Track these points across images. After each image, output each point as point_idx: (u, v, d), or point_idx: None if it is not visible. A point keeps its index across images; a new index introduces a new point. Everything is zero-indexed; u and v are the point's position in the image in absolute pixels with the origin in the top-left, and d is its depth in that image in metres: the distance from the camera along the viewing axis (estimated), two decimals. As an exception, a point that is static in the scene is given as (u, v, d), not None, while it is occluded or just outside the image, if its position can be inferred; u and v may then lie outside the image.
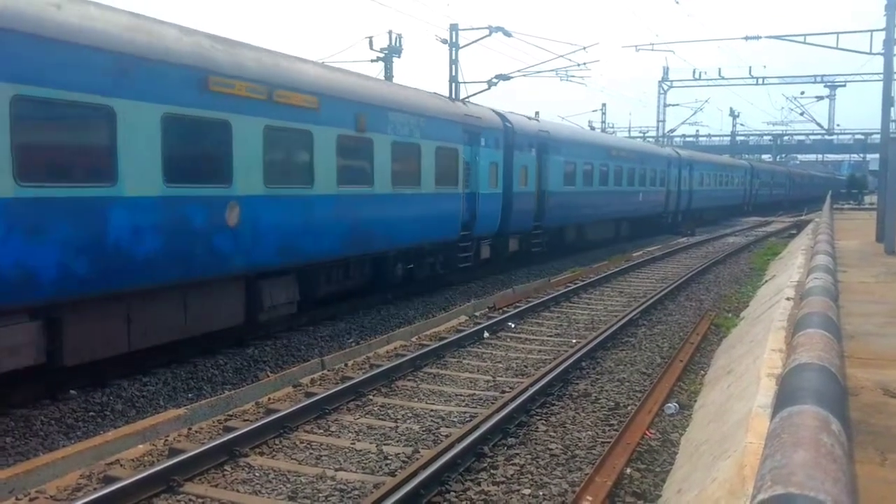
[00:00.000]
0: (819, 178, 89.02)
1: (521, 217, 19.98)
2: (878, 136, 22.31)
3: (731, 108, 74.27)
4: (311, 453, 6.88)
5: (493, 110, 19.54)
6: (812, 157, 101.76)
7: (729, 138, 77.15)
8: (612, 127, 63.90)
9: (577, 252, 25.03)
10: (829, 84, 58.83)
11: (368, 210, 13.23)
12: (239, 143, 10.12)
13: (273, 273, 11.26)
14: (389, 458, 6.73)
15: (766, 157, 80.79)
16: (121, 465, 6.55)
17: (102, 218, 8.23)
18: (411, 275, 15.62)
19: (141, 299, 8.98)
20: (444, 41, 28.61)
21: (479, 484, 6.18)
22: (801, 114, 63.05)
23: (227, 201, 10.03)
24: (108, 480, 6.04)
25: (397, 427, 7.59)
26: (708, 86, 53.66)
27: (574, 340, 11.58)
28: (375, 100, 13.56)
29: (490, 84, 30.05)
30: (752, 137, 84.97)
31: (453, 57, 28.82)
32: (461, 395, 8.76)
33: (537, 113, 29.44)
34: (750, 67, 56.17)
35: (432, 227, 15.66)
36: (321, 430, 7.51)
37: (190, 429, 7.55)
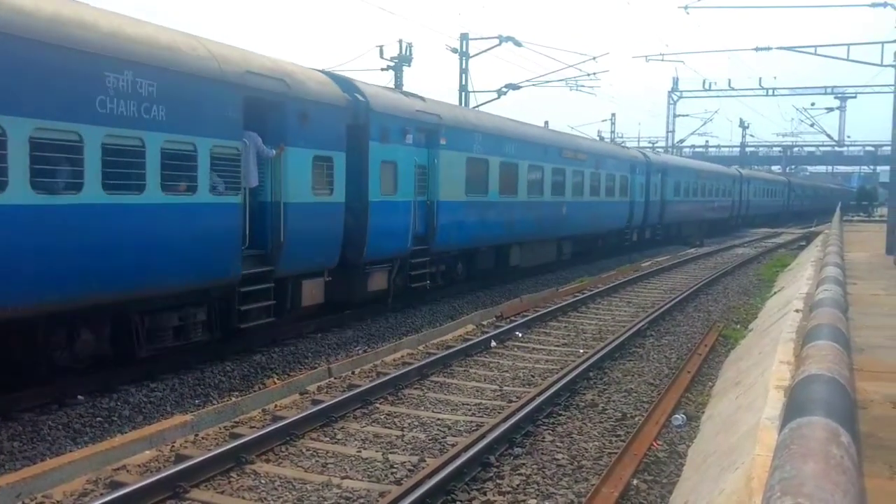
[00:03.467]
0: (838, 190, 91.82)
1: (652, 216, 31.67)
2: (889, 147, 22.23)
3: (740, 119, 73.95)
4: (317, 461, 6.87)
5: (640, 150, 35.25)
6: (822, 168, 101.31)
7: (739, 149, 76.93)
8: (622, 137, 63.77)
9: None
10: (839, 95, 58.71)
11: (597, 210, 25.16)
12: (567, 178, 22.26)
13: (566, 238, 23.36)
14: (395, 466, 6.71)
15: (775, 168, 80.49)
16: (127, 471, 6.55)
17: (539, 209, 20.54)
18: (602, 246, 27.70)
19: (535, 244, 20.99)
20: (455, 50, 28.71)
21: (484, 494, 6.15)
22: (812, 125, 62.94)
23: (563, 204, 22.11)
24: (115, 486, 6.04)
25: (403, 435, 7.57)
26: (718, 96, 53.74)
27: (581, 350, 11.54)
28: (601, 152, 26.75)
29: (500, 93, 30.11)
30: (761, 148, 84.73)
31: (463, 66, 28.91)
32: (468, 405, 8.74)
33: (546, 123, 29.69)
34: (760, 78, 56.00)
35: (614, 220, 27.58)
36: (327, 438, 7.51)
37: (196, 435, 7.55)
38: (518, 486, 6.29)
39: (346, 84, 13.09)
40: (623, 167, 27.91)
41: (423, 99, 15.25)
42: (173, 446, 7.20)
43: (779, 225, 54.23)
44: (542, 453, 7.09)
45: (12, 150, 7.03)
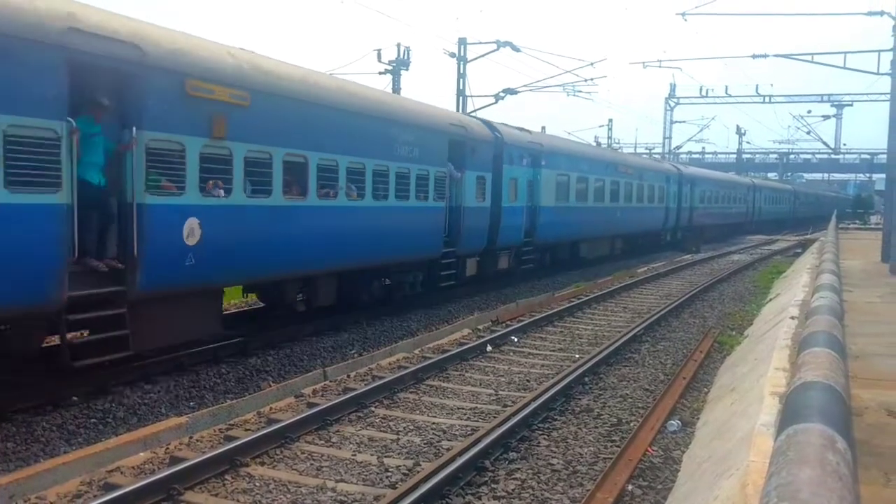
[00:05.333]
0: (837, 198, 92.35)
1: (683, 220, 36.87)
2: (885, 155, 22.30)
3: (737, 126, 74.13)
4: (311, 464, 6.86)
5: (673, 164, 40.07)
6: (818, 176, 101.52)
7: (735, 156, 77.09)
8: (619, 143, 63.96)
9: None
10: (836, 103, 59.02)
11: (641, 214, 30.46)
12: (620, 188, 27.16)
13: (618, 237, 28.80)
14: (390, 470, 6.70)
15: (772, 175, 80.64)
16: (121, 473, 6.52)
17: (601, 213, 25.82)
18: (643, 244, 32.82)
19: (597, 240, 26.54)
20: (453, 55, 28.75)
21: (479, 498, 6.15)
22: (808, 132, 63.13)
23: (617, 209, 26.82)
24: (109, 488, 6.02)
25: (398, 439, 7.56)
26: (714, 103, 54.12)
27: (577, 355, 11.54)
28: (644, 166, 32.39)
29: (497, 98, 30.16)
30: (758, 155, 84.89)
31: (461, 71, 28.95)
32: (463, 409, 8.73)
33: (543, 128, 29.84)
34: (757, 85, 56.19)
35: (653, 223, 32.97)
36: (322, 441, 7.49)
37: (191, 437, 7.52)
38: (513, 490, 6.29)
39: (489, 125, 18.97)
40: (660, 178, 33.24)
41: (529, 132, 21.15)
42: (168, 448, 7.17)
43: (774, 232, 55.10)
44: (538, 458, 7.08)
45: (367, 178, 12.82)
